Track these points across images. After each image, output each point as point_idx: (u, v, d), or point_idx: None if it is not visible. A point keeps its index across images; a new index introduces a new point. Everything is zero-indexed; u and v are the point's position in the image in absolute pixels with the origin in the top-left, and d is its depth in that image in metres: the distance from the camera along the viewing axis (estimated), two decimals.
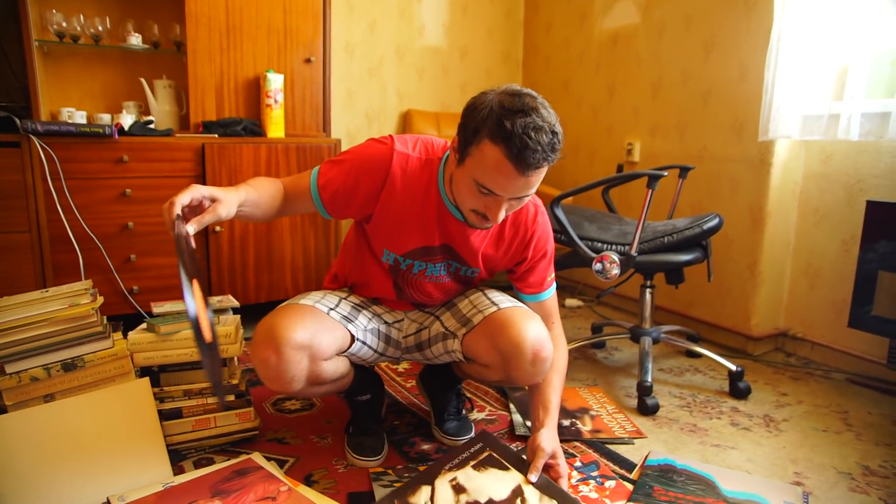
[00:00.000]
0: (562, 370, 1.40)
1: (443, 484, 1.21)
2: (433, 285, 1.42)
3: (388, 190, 1.27)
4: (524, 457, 1.29)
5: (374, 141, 1.31)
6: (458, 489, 1.20)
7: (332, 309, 1.35)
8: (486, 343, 1.32)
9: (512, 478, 1.21)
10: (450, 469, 1.24)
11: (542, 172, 1.12)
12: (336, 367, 1.33)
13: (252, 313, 2.21)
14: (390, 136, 1.30)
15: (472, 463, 1.25)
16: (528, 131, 1.05)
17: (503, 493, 1.17)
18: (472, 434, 1.53)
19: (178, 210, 1.02)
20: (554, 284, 1.46)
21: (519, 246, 1.38)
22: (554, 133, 1.09)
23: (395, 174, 1.26)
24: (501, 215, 1.16)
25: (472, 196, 1.16)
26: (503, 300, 1.38)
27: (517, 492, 1.17)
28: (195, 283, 0.97)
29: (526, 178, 1.10)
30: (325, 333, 1.26)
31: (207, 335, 0.95)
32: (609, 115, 2.84)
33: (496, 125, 1.07)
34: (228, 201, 1.10)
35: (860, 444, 1.58)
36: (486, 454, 1.27)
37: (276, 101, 2.34)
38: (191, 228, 1.02)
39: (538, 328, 1.28)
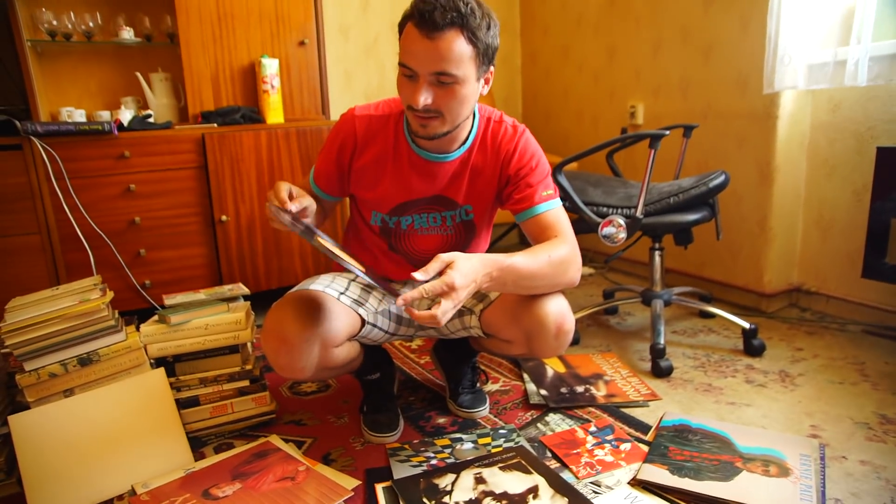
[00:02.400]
0: (548, 255, 1.20)
1: (467, 474, 1.26)
2: (425, 238, 1.39)
3: (359, 152, 1.32)
4: (551, 466, 1.29)
5: (341, 117, 1.36)
6: (479, 480, 1.24)
7: (341, 293, 1.35)
8: (506, 319, 1.32)
9: (532, 479, 1.23)
10: (478, 465, 1.28)
11: (453, 40, 1.10)
12: (347, 353, 1.34)
13: (263, 300, 2.23)
14: (352, 107, 1.35)
15: (500, 465, 1.29)
16: None
17: (518, 489, 1.20)
18: (486, 406, 1.54)
19: (280, 199, 1.14)
20: (555, 202, 1.31)
21: (504, 163, 1.32)
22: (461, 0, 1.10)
23: (360, 136, 1.31)
24: (422, 97, 1.13)
25: (402, 87, 1.18)
26: None
27: (532, 489, 1.20)
28: (317, 239, 1.11)
29: (431, 42, 1.10)
30: (335, 320, 1.26)
31: (358, 266, 1.11)
32: (610, 79, 2.79)
33: (409, 6, 1.13)
34: (308, 196, 1.21)
35: (877, 394, 1.57)
36: (515, 461, 1.30)
37: (272, 87, 2.33)
38: (294, 207, 1.14)
39: (559, 301, 1.27)
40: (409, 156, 1.31)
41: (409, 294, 1.02)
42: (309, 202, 1.19)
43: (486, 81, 1.22)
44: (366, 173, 1.33)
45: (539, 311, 1.24)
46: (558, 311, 1.25)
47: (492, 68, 1.21)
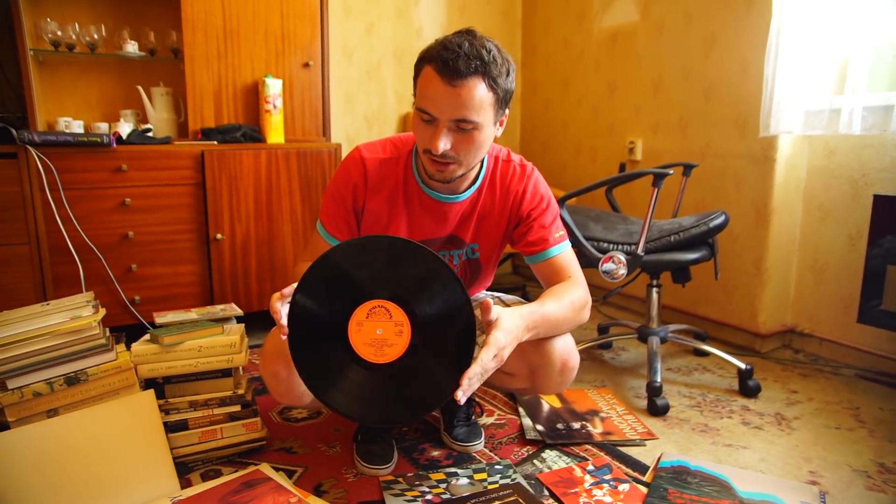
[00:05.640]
0: (571, 300, 1.24)
1: None
2: None
3: (371, 194, 1.30)
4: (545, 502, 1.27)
5: (344, 160, 1.33)
6: None
7: None
8: (511, 352, 1.30)
9: None
10: (474, 502, 1.25)
11: (475, 88, 1.09)
12: None
13: (256, 321, 2.19)
14: (356, 147, 1.32)
15: (497, 503, 1.25)
16: (448, 41, 1.10)
17: None
18: (482, 439, 1.51)
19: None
20: (566, 243, 1.35)
21: (513, 204, 1.33)
22: (483, 47, 1.10)
23: (371, 179, 1.29)
24: (441, 143, 1.12)
25: (419, 131, 1.16)
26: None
27: None
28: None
29: (454, 89, 1.09)
30: None
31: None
32: (610, 114, 2.82)
33: (428, 49, 1.14)
34: None
35: (874, 441, 1.56)
36: (512, 498, 1.27)
37: (274, 107, 2.32)
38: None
39: (566, 337, 1.27)
40: (419, 197, 1.29)
41: (470, 370, 1.04)
42: None
43: (501, 124, 1.22)
44: (378, 217, 1.31)
45: (545, 346, 1.23)
46: (564, 347, 1.24)
47: (507, 111, 1.21)
